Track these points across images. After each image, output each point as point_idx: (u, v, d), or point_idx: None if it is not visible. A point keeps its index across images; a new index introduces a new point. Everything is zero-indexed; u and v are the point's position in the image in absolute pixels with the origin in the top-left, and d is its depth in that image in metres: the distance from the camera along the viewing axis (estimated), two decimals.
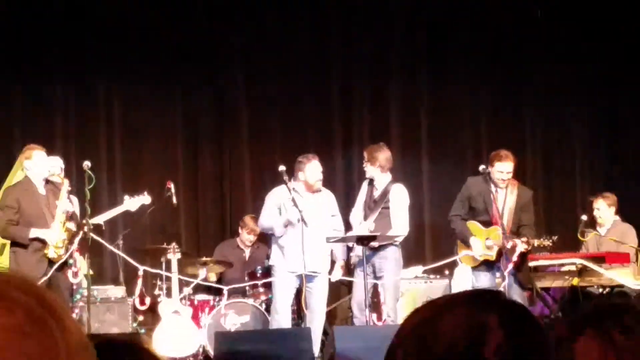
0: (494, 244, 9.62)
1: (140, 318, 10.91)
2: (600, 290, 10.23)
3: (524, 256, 9.54)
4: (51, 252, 9.11)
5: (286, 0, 13.16)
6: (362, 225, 10.04)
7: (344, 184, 12.58)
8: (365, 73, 13.33)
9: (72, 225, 9.30)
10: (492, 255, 9.62)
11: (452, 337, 1.29)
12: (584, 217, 10.94)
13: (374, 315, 9.79)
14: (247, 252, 11.68)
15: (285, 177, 9.84)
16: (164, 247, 10.55)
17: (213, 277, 11.14)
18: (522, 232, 9.62)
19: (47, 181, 9.39)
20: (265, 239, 10.93)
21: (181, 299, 10.33)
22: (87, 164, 9.48)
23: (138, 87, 12.81)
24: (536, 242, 9.61)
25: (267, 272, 10.58)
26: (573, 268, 10.01)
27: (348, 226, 10.30)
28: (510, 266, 9.53)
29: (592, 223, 11.00)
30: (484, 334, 1.29)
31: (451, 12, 13.27)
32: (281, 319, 9.86)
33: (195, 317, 10.37)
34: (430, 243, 12.44)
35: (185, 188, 12.60)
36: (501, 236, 9.59)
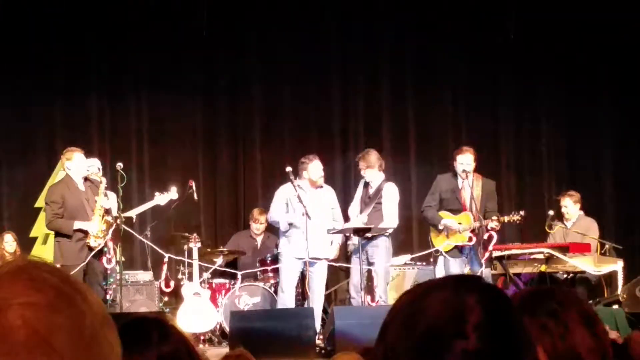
0: (465, 227, 9.68)
1: (166, 299, 10.93)
2: (565, 275, 10.24)
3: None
4: (92, 242, 9.15)
5: (305, 13, 13.14)
6: (357, 218, 10.06)
7: (342, 180, 12.57)
8: (360, 87, 13.32)
9: (109, 218, 9.34)
10: (465, 237, 9.67)
11: (436, 314, 1.29)
12: (551, 212, 10.95)
13: (369, 297, 9.79)
14: (258, 242, 11.66)
15: (292, 177, 9.87)
16: (186, 237, 10.55)
17: (220, 260, 11.07)
18: (488, 217, 9.65)
19: (86, 179, 9.42)
20: (274, 230, 10.93)
21: (201, 283, 10.33)
22: (119, 165, 9.52)
23: (163, 97, 12.80)
24: (506, 218, 9.65)
25: (276, 259, 10.59)
26: (541, 256, 10.01)
27: (347, 218, 10.31)
28: (487, 254, 9.56)
29: (559, 217, 11.00)
30: (465, 312, 1.29)
31: (439, 22, 13.24)
32: (286, 297, 9.88)
33: (213, 298, 10.37)
34: (417, 234, 12.42)
35: (204, 186, 12.60)
36: (472, 219, 9.66)
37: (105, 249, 9.42)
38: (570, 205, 10.86)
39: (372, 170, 10.10)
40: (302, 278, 9.98)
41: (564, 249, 10.00)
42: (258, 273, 10.87)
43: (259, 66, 13.11)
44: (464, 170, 9.80)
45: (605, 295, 10.20)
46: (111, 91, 12.76)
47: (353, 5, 13.18)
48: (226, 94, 13.03)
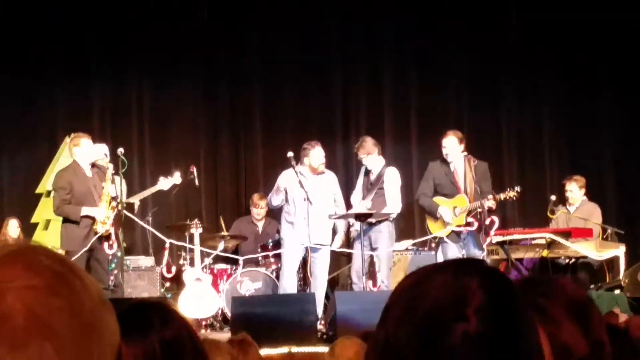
0: (462, 210, 9.69)
1: (167, 284, 10.95)
2: (567, 261, 10.25)
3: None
4: (99, 228, 9.16)
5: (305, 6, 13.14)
6: (360, 204, 10.07)
7: (343, 166, 12.59)
8: (362, 72, 13.33)
9: (115, 204, 9.36)
10: (462, 221, 9.67)
11: (437, 298, 1.29)
12: (553, 197, 10.95)
13: (370, 282, 9.80)
14: (260, 227, 11.68)
15: (293, 162, 9.86)
16: (187, 222, 10.56)
17: (222, 246, 11.07)
18: (482, 198, 9.63)
19: (94, 165, 9.43)
20: (276, 215, 10.93)
21: (202, 268, 10.33)
22: (120, 150, 9.51)
23: (165, 83, 12.81)
24: (502, 196, 9.62)
25: (278, 244, 10.61)
26: (543, 241, 10.02)
27: (349, 205, 10.32)
28: (489, 240, 9.56)
29: (562, 202, 11.00)
30: (466, 295, 1.29)
31: (440, 14, 13.23)
32: (287, 283, 9.90)
33: (215, 284, 10.38)
34: (419, 220, 12.42)
35: (205, 171, 12.62)
36: (466, 201, 9.66)
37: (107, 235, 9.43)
38: (575, 190, 10.86)
39: (372, 156, 10.10)
40: (304, 263, 10.00)
41: (566, 234, 10.01)
42: (259, 258, 10.88)
43: (260, 53, 13.10)
44: (446, 154, 9.81)
45: (607, 280, 10.21)
46: (112, 76, 12.77)
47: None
48: (228, 80, 13.04)
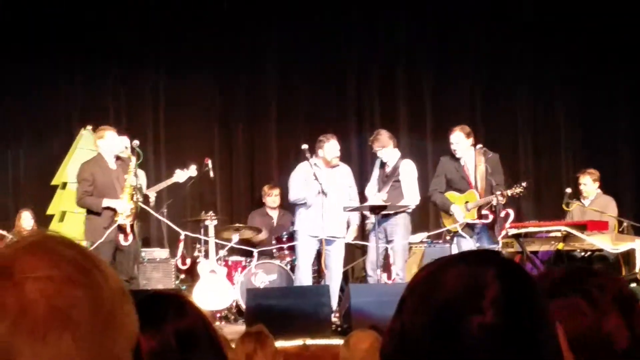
0: (473, 205, 9.69)
1: (182, 276, 10.96)
2: (582, 254, 10.21)
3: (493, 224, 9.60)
4: (120, 219, 9.19)
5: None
6: (376, 197, 10.06)
7: (357, 159, 12.58)
8: (377, 65, 13.31)
9: (138, 196, 9.40)
10: (473, 216, 9.68)
11: (453, 289, 1.29)
12: (568, 190, 10.92)
13: (385, 275, 9.80)
14: (274, 219, 11.69)
15: (308, 154, 9.86)
16: (202, 215, 10.58)
17: (237, 237, 11.08)
18: (494, 191, 9.62)
19: (118, 157, 9.46)
20: (290, 208, 10.94)
21: (217, 260, 10.35)
22: (136, 142, 9.51)
23: (180, 75, 12.81)
24: (509, 192, 9.61)
25: (292, 236, 10.62)
26: (558, 234, 9.97)
27: (363, 197, 10.32)
28: (504, 232, 9.55)
29: (577, 195, 10.98)
30: (482, 286, 1.29)
31: (455, 6, 13.21)
32: (303, 276, 9.92)
33: (229, 276, 10.40)
34: (434, 213, 12.40)
35: (220, 163, 12.62)
36: (477, 196, 9.67)
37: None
38: (589, 183, 10.85)
39: (387, 149, 10.11)
40: (319, 256, 10.00)
41: (582, 227, 9.97)
42: (274, 251, 10.90)
43: (276, 46, 13.10)
44: (454, 150, 9.82)
45: (623, 273, 10.16)
46: (128, 67, 12.78)
47: None
48: (242, 71, 13.04)
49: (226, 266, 10.50)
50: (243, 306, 9.70)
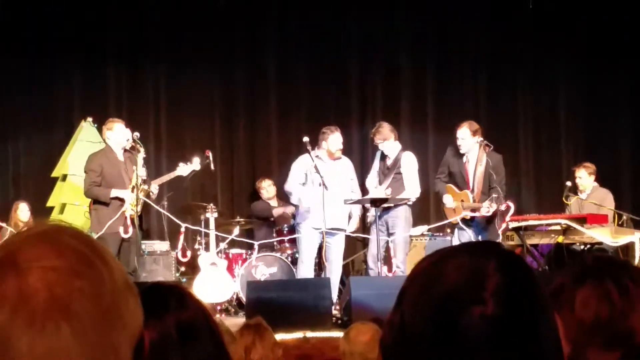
0: (465, 206, 9.67)
1: (182, 269, 10.97)
2: (582, 247, 10.21)
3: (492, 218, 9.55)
4: (129, 210, 9.22)
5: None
6: (377, 189, 10.07)
7: (359, 152, 12.58)
8: (379, 58, 13.30)
9: (146, 187, 9.44)
10: (465, 214, 9.66)
11: (454, 280, 1.29)
12: (568, 184, 10.93)
13: (385, 267, 9.81)
14: (275, 212, 11.70)
15: (309, 147, 9.86)
16: (203, 207, 10.58)
17: (237, 230, 11.09)
18: (491, 194, 9.58)
19: (126, 150, 9.49)
20: (288, 199, 10.94)
21: (218, 253, 10.36)
22: (136, 134, 9.54)
23: (181, 68, 12.80)
24: (496, 205, 9.52)
25: (292, 229, 10.62)
26: (558, 228, 9.97)
27: (364, 190, 10.32)
28: (504, 225, 9.55)
29: (575, 189, 10.99)
30: (483, 277, 1.29)
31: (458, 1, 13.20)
32: (305, 268, 9.92)
33: (230, 269, 10.41)
34: (435, 205, 12.41)
35: (221, 156, 12.62)
36: (470, 199, 9.66)
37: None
38: (585, 177, 10.87)
39: (389, 141, 10.11)
40: (319, 249, 10.00)
41: (582, 220, 9.97)
42: (275, 243, 10.90)
43: (277, 40, 13.09)
44: (459, 145, 9.82)
45: None
46: (129, 61, 12.78)
47: None
48: (243, 65, 13.03)
49: (227, 259, 10.50)
50: (243, 299, 9.70)
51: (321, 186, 9.64)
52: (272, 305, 8.42)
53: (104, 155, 9.50)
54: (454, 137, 10.00)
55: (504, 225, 9.52)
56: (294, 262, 10.32)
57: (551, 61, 13.36)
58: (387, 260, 9.87)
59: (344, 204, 9.97)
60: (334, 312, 9.16)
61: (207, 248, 10.39)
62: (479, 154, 9.78)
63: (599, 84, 13.30)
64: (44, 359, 1.10)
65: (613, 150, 13.22)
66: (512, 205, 9.59)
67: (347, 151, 10.69)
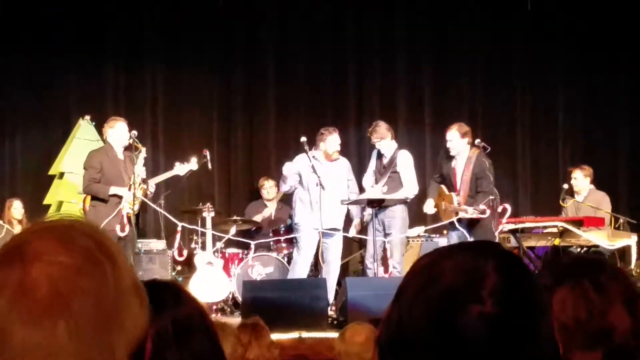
0: (450, 208, 9.66)
1: (178, 268, 10.96)
2: (579, 249, 10.22)
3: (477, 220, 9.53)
4: (126, 208, 9.22)
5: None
6: (374, 189, 10.05)
7: (356, 151, 12.58)
8: (376, 57, 13.29)
9: (145, 186, 9.45)
10: (449, 217, 9.66)
11: (452, 279, 1.29)
12: (565, 186, 10.93)
13: (382, 269, 9.80)
14: (272, 212, 11.69)
15: (306, 147, 9.86)
16: (199, 206, 10.57)
17: (233, 230, 11.08)
18: (477, 198, 9.55)
19: (126, 148, 9.51)
20: (288, 200, 10.93)
21: (214, 252, 10.35)
22: (134, 132, 9.56)
23: (179, 67, 12.80)
24: (471, 211, 9.51)
25: (289, 229, 10.62)
26: (555, 230, 9.97)
27: (362, 190, 10.31)
28: (501, 227, 9.55)
29: (572, 191, 10.99)
30: (482, 276, 1.29)
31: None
32: (299, 268, 9.91)
33: (226, 268, 10.40)
34: None
35: (219, 155, 12.62)
36: (455, 202, 9.63)
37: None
38: (580, 179, 10.87)
39: (386, 140, 10.10)
40: (316, 249, 9.99)
41: (578, 222, 9.97)
42: (271, 243, 10.89)
43: (275, 39, 13.08)
44: (448, 147, 9.81)
45: None
46: (127, 59, 12.77)
47: None
48: (241, 65, 13.02)
49: (223, 258, 10.50)
50: (239, 298, 9.70)
51: (318, 186, 9.64)
52: (268, 305, 8.42)
53: (104, 152, 9.52)
54: (445, 139, 9.99)
55: (500, 227, 9.51)
56: (291, 262, 10.31)
57: (549, 62, 13.35)
58: (383, 260, 9.86)
59: (341, 204, 9.97)
60: (330, 312, 9.16)
61: (203, 247, 10.38)
62: (469, 157, 9.75)
63: (597, 86, 13.29)
64: (35, 353, 1.09)
65: (611, 152, 13.22)
66: (508, 207, 9.58)
67: (344, 151, 10.69)
